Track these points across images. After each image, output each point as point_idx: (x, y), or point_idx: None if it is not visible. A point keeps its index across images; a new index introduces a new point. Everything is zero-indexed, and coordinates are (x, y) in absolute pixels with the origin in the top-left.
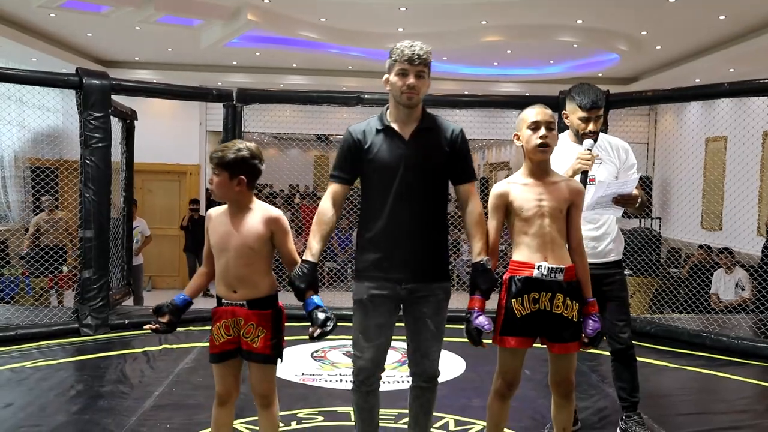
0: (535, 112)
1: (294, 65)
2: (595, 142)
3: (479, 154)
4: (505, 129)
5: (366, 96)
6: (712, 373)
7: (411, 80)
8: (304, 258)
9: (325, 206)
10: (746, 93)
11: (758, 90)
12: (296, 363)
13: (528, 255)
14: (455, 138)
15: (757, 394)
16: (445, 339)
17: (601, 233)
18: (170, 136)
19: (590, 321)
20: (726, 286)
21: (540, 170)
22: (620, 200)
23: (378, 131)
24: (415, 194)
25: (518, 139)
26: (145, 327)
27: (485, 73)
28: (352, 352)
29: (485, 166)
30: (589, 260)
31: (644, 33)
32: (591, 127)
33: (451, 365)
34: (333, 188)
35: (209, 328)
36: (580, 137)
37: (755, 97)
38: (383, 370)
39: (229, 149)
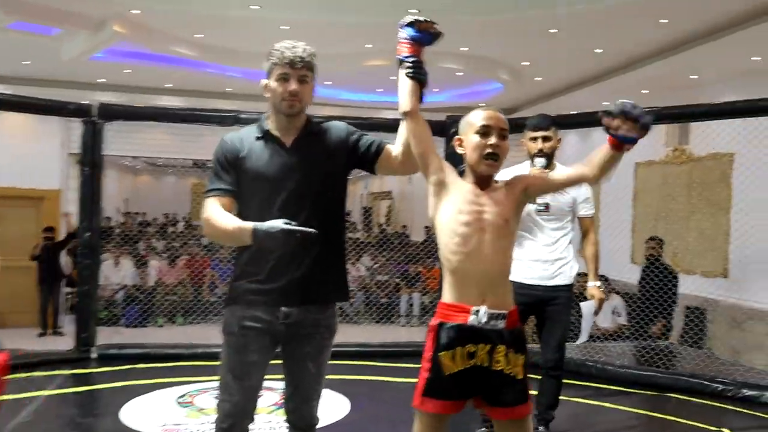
0: (487, 115)
1: (168, 85)
2: (547, 161)
3: (362, 183)
4: None
5: (243, 115)
6: (600, 404)
7: (293, 86)
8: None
9: (214, 209)
10: None
11: None
12: (159, 411)
13: (462, 293)
14: (348, 135)
15: (643, 423)
16: (327, 377)
17: (555, 258)
18: (26, 157)
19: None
20: (603, 312)
21: (484, 183)
22: (598, 311)
23: (257, 138)
24: (301, 206)
25: (460, 145)
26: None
27: (368, 99)
28: (219, 396)
29: (368, 195)
30: (538, 282)
31: (525, 64)
32: (539, 144)
33: (333, 406)
34: (215, 201)
35: (56, 373)
36: (531, 158)
37: None
38: (252, 420)
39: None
